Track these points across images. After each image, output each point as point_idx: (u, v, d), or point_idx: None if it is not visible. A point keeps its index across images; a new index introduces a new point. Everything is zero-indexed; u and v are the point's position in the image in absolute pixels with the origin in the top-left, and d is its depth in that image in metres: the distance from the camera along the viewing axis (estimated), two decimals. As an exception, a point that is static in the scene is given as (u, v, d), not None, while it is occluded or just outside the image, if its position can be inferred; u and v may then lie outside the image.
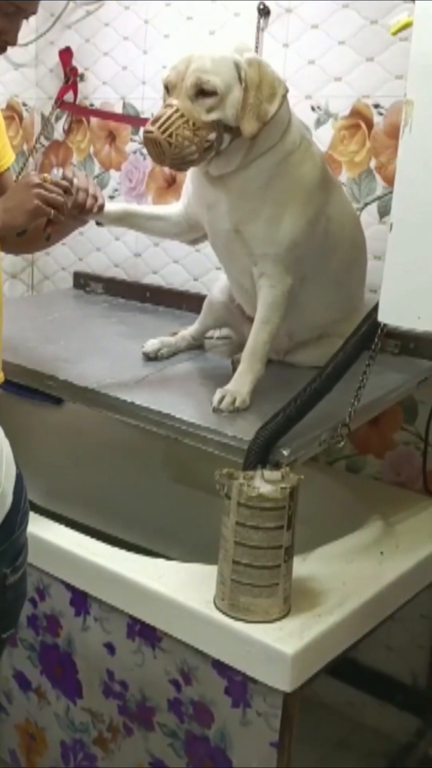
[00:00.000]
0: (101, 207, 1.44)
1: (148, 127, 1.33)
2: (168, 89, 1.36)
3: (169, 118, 1.32)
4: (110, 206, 1.53)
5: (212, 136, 1.35)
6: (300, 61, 1.82)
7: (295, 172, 1.44)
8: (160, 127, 1.31)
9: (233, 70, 1.34)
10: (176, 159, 1.34)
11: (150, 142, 1.34)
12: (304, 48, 1.81)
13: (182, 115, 1.32)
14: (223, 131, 1.36)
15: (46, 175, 1.31)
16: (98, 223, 1.52)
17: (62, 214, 1.32)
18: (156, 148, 1.33)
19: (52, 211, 1.30)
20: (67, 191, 1.34)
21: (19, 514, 1.06)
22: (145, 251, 2.20)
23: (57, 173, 1.38)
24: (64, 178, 1.37)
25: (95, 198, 1.41)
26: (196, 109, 1.33)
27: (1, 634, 1.09)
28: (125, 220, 1.58)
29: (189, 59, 1.34)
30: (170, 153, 1.33)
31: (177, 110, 1.32)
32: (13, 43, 1.36)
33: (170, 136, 1.31)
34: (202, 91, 1.33)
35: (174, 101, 1.34)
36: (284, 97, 1.38)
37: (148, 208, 1.64)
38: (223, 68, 1.33)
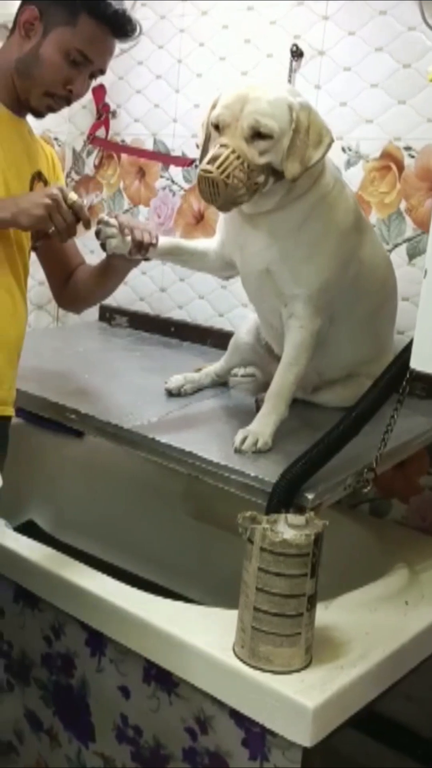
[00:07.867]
0: (156, 241, 1.49)
1: (206, 166, 1.30)
2: (219, 128, 1.33)
3: (226, 158, 1.29)
4: (161, 240, 1.54)
5: (261, 178, 1.33)
6: (332, 103, 1.82)
7: (329, 214, 1.43)
8: (218, 167, 1.28)
9: (287, 114, 1.32)
10: (228, 200, 1.32)
11: (206, 182, 1.30)
12: (336, 90, 1.82)
13: (238, 157, 1.29)
14: (270, 174, 1.34)
15: (72, 194, 1.32)
16: (146, 258, 1.53)
17: (65, 234, 1.32)
18: (212, 188, 1.30)
19: (52, 228, 1.31)
20: (82, 220, 1.33)
21: None
22: (171, 286, 2.21)
23: (109, 219, 1.46)
24: (105, 222, 1.47)
25: (150, 234, 1.48)
26: (250, 152, 1.30)
27: None
28: (172, 253, 1.58)
29: (244, 99, 1.31)
30: (225, 194, 1.30)
31: (233, 151, 1.29)
32: (80, 94, 1.39)
33: (228, 177, 1.28)
34: (258, 134, 1.31)
35: (229, 141, 1.30)
36: (329, 145, 1.36)
37: (193, 243, 1.63)
38: (278, 111, 1.31)
